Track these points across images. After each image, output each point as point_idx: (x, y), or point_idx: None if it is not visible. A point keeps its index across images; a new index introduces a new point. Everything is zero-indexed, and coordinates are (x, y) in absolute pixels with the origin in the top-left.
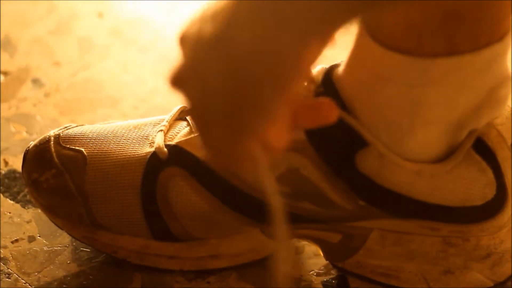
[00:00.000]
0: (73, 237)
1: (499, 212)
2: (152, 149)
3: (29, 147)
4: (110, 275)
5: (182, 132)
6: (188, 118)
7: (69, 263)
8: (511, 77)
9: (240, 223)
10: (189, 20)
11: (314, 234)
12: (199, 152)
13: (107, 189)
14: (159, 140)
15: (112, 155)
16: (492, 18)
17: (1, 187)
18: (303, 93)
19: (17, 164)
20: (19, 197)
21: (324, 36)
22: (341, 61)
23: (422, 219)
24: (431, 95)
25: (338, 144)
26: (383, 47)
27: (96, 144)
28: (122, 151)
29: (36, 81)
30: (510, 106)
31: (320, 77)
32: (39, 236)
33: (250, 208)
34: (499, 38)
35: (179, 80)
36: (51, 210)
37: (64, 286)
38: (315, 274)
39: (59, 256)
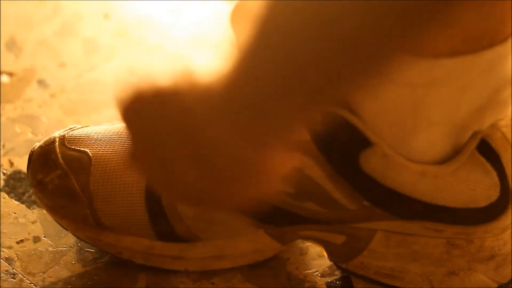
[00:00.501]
0: (77, 237)
1: (503, 213)
2: None
3: (34, 148)
4: (114, 275)
5: None
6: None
7: (74, 263)
8: None
9: (245, 224)
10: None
11: (318, 235)
12: None
13: (112, 190)
14: None
15: (117, 156)
16: (495, 19)
17: (7, 188)
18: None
19: (22, 165)
20: (24, 198)
21: (284, 138)
22: None
23: (426, 221)
24: (434, 96)
25: (342, 144)
26: None
27: (101, 145)
28: (127, 152)
29: (41, 82)
30: None
31: None
32: (44, 237)
33: (255, 209)
34: (502, 39)
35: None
36: (56, 211)
37: (69, 286)
38: (319, 275)
39: (64, 257)
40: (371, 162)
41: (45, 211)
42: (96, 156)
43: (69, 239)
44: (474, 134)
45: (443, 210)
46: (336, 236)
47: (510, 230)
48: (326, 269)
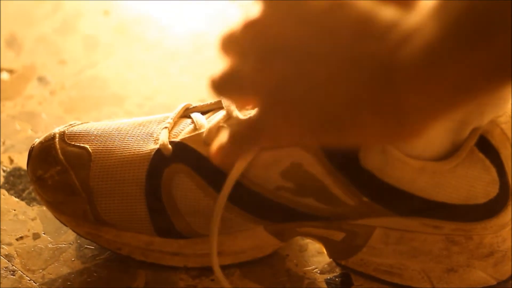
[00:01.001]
0: (77, 234)
1: (502, 210)
2: (157, 146)
3: (34, 144)
4: (114, 272)
5: (186, 129)
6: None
7: (74, 260)
8: None
9: (244, 220)
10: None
11: (318, 232)
12: (203, 149)
13: (112, 186)
14: (163, 137)
15: (116, 152)
16: None
17: (6, 185)
18: None
19: (22, 161)
20: (24, 195)
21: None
22: None
23: (425, 217)
24: None
25: None
26: None
27: (101, 141)
28: (127, 148)
29: (41, 79)
30: None
31: None
32: (44, 234)
33: (254, 205)
34: None
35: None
36: (55, 207)
37: (69, 283)
38: (318, 272)
39: (64, 254)
40: (370, 158)
41: (45, 208)
42: (96, 152)
43: (69, 236)
44: (474, 130)
45: (442, 206)
46: (336, 233)
47: (509, 227)
48: (326, 266)
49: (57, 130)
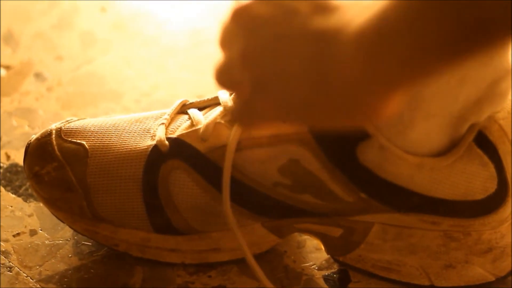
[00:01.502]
0: (74, 230)
1: (500, 206)
2: (154, 142)
3: (30, 140)
4: (111, 269)
5: (183, 125)
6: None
7: (71, 256)
8: None
9: (242, 217)
10: None
11: (316, 228)
12: (200, 145)
13: (109, 182)
14: (160, 133)
15: (113, 148)
16: None
17: (3, 181)
18: None
19: (19, 158)
20: (20, 191)
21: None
22: None
23: (423, 213)
24: (432, 88)
25: (339, 136)
26: None
27: (98, 137)
28: (124, 144)
29: (38, 75)
30: None
31: None
32: (41, 230)
33: (252, 202)
34: None
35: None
36: (52, 203)
37: (65, 279)
38: (316, 268)
39: (61, 250)
40: (368, 154)
41: (41, 204)
42: (93, 148)
43: (66, 232)
44: (472, 126)
45: (440, 202)
46: (333, 229)
47: (508, 223)
48: (323, 262)
49: (53, 126)
